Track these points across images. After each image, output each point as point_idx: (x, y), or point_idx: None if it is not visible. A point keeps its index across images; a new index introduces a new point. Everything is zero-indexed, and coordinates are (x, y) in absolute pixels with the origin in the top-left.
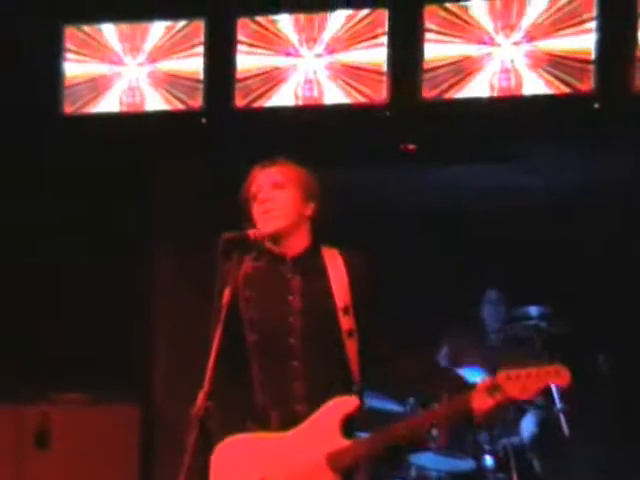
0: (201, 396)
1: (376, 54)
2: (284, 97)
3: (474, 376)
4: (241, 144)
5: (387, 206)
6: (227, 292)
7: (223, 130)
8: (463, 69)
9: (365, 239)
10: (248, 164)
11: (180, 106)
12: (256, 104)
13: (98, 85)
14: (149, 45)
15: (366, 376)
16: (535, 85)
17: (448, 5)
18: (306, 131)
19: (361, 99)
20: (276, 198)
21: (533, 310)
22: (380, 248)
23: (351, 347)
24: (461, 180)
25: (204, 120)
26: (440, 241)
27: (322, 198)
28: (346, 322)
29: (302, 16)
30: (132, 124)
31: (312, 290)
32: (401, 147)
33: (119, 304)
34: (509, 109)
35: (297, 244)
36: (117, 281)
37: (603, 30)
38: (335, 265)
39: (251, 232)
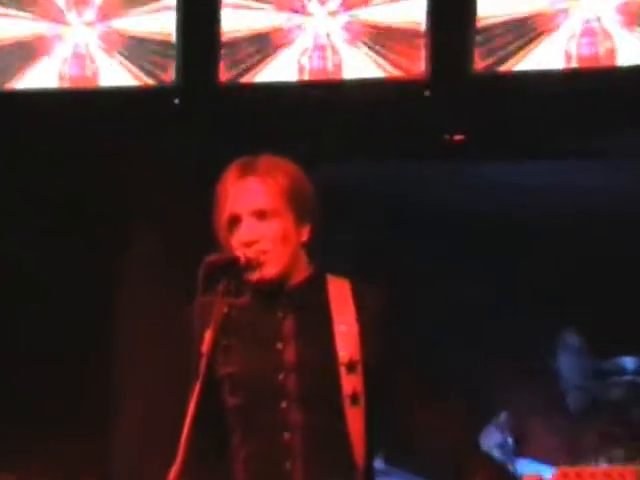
0: (173, 474)
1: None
2: (285, 68)
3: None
4: (227, 133)
5: (418, 208)
6: (208, 335)
7: (203, 114)
8: None
9: (388, 256)
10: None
11: (146, 80)
12: (246, 78)
13: (31, 50)
14: None
15: (375, 457)
16: None
17: None
18: (314, 115)
19: (396, 72)
20: (263, 235)
21: (628, 362)
22: (406, 268)
23: (354, 418)
24: (513, 178)
25: (177, 100)
26: (491, 260)
27: (318, 213)
28: (350, 383)
29: None
30: (78, 106)
31: (310, 336)
32: (446, 137)
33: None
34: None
35: (295, 274)
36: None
37: None
38: (342, 302)
39: (243, 254)
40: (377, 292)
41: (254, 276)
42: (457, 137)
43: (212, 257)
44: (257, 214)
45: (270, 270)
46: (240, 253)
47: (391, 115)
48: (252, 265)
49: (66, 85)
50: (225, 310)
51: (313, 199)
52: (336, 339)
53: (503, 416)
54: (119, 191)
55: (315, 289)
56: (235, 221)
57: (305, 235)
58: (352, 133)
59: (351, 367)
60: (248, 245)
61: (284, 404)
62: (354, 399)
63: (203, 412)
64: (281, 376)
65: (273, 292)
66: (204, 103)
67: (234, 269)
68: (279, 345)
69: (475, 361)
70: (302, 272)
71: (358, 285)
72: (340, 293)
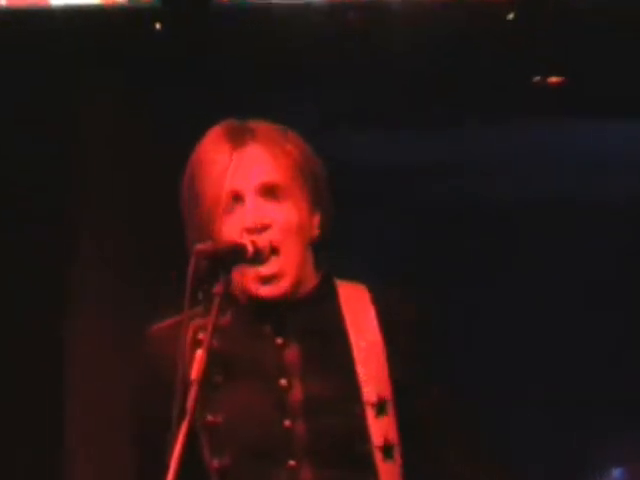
0: None
1: None
2: None
3: None
4: (224, 71)
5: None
6: (199, 356)
7: (192, 43)
8: None
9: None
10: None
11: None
12: None
13: None
14: None
15: None
16: None
17: None
18: (341, 47)
19: None
20: (274, 220)
21: None
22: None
23: (389, 477)
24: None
25: (159, 25)
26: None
27: (331, 199)
28: (381, 429)
29: None
30: (27, 30)
31: (322, 367)
32: (537, 80)
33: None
34: None
35: (299, 282)
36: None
37: None
38: (361, 317)
39: (250, 242)
40: (408, 301)
41: (264, 291)
42: (554, 79)
43: (205, 245)
44: (266, 191)
45: (285, 279)
46: (247, 241)
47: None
48: (261, 258)
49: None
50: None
51: (325, 180)
52: (357, 369)
53: (617, 473)
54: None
55: (324, 302)
56: (234, 201)
57: (315, 228)
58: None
59: (381, 407)
60: (254, 232)
61: (292, 462)
62: (387, 450)
63: (185, 472)
64: (287, 423)
65: (267, 309)
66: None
67: (231, 264)
68: (282, 381)
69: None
70: (309, 279)
71: (380, 293)
72: (357, 305)
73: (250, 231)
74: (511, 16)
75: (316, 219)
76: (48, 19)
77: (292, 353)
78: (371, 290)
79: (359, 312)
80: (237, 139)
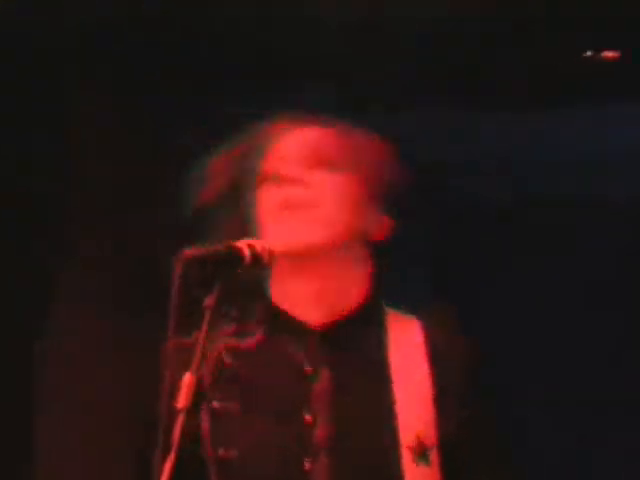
0: None
1: None
2: None
3: None
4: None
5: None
6: (187, 381)
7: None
8: None
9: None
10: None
11: None
12: None
13: None
14: None
15: None
16: None
17: None
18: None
19: None
20: (319, 185)
21: None
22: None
23: None
24: None
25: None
26: None
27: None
28: (420, 478)
29: None
30: None
31: (355, 402)
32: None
33: None
34: None
35: (340, 297)
36: None
37: None
38: (410, 351)
39: (247, 245)
40: (467, 339)
41: (274, 247)
42: (609, 53)
43: (194, 250)
44: (315, 159)
45: (311, 236)
46: (243, 244)
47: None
48: (262, 264)
49: None
50: (222, 351)
51: (401, 179)
52: (398, 409)
53: None
54: None
55: (368, 325)
56: (274, 172)
57: (378, 229)
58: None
59: (422, 454)
60: (292, 207)
61: None
62: None
63: None
64: (307, 463)
65: (297, 328)
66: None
67: (226, 271)
68: (307, 416)
69: None
70: (355, 294)
71: (436, 326)
72: (405, 336)
73: (286, 207)
74: None
75: (382, 221)
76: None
77: (321, 384)
78: (424, 323)
79: (407, 345)
80: (291, 123)
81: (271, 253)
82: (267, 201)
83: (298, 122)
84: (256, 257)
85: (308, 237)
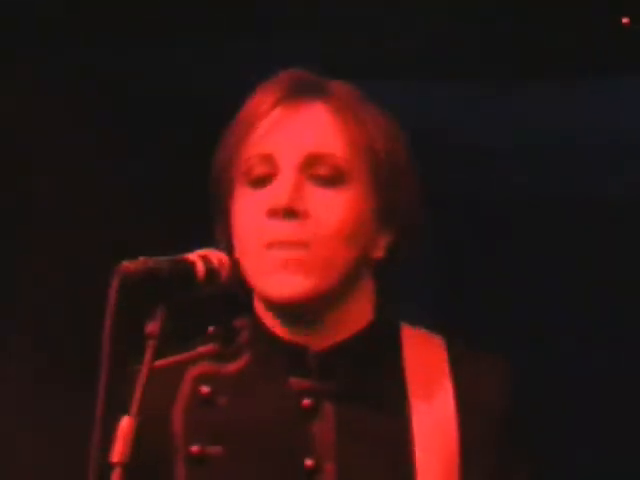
0: None
1: None
2: None
3: None
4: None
5: None
6: (125, 427)
7: None
8: None
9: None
10: None
11: None
12: None
13: None
14: None
15: None
16: None
17: None
18: None
19: None
20: (315, 210)
21: None
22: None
23: None
24: None
25: None
26: None
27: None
28: None
29: None
30: None
31: (365, 445)
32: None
33: None
34: None
35: (343, 319)
36: None
37: None
38: (430, 378)
39: (200, 258)
40: (503, 369)
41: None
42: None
43: (136, 262)
44: (313, 167)
45: (305, 282)
46: (196, 257)
47: None
48: (219, 282)
49: None
50: (198, 378)
51: (414, 178)
52: (416, 455)
53: None
54: None
55: (379, 349)
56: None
57: (383, 246)
58: None
59: None
60: (279, 215)
61: None
62: None
63: None
64: None
65: (293, 354)
66: None
67: (175, 290)
68: (308, 461)
69: None
70: (358, 316)
71: (463, 352)
72: (426, 362)
73: (274, 213)
74: None
75: (387, 236)
76: None
77: (324, 422)
78: (450, 346)
79: (428, 372)
80: (297, 90)
81: (232, 268)
82: (245, 210)
83: (294, 98)
84: (212, 273)
85: (297, 288)
